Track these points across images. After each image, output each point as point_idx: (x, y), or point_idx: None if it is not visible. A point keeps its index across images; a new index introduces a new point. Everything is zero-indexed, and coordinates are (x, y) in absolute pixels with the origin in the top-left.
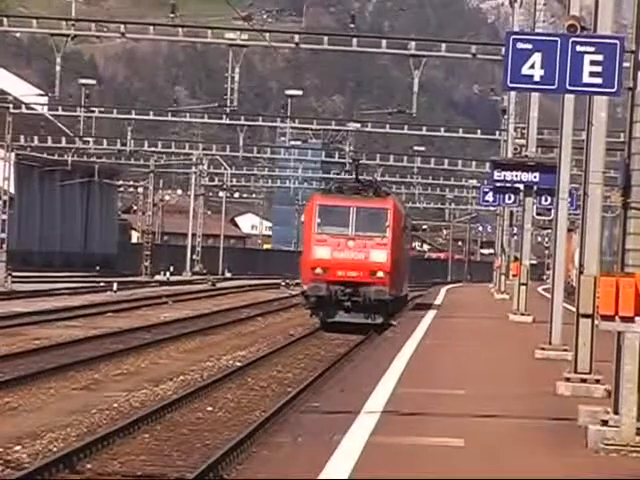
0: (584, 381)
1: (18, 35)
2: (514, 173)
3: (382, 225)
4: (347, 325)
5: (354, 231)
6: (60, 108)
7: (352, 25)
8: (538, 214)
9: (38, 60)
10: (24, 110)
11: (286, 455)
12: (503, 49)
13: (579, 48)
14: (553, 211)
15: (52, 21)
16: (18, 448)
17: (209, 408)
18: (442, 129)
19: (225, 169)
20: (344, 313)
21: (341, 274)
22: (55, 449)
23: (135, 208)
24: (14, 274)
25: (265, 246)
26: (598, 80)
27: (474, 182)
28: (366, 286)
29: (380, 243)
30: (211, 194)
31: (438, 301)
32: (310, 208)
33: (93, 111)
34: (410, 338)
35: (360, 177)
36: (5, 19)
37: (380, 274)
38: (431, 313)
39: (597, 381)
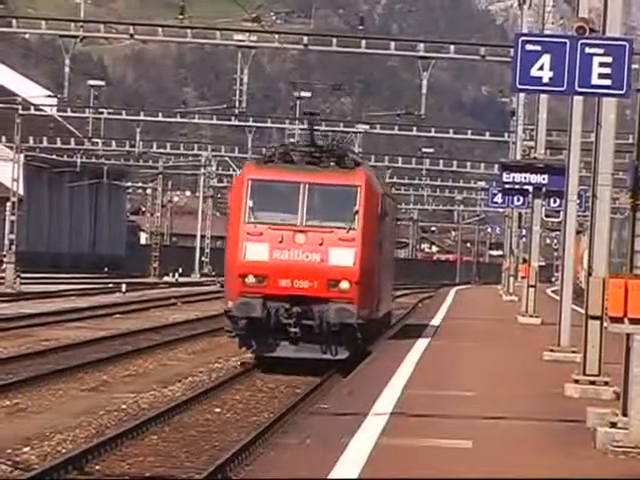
0: (593, 383)
1: (27, 36)
2: (523, 175)
3: (349, 210)
4: (296, 362)
5: (305, 220)
6: (69, 109)
7: (361, 27)
8: (547, 216)
9: (47, 61)
10: (33, 111)
11: (294, 457)
12: (512, 51)
13: (588, 50)
14: (562, 213)
15: (61, 22)
16: (27, 449)
17: (217, 410)
18: (451, 131)
19: (234, 170)
20: (289, 345)
21: (285, 285)
22: (63, 450)
23: (144, 209)
24: (23, 275)
25: None
26: (607, 82)
27: (483, 184)
28: (323, 303)
29: (345, 238)
30: (220, 195)
31: (445, 305)
32: (238, 185)
33: (102, 112)
34: (421, 337)
35: (320, 141)
36: (14, 20)
37: (344, 285)
38: (437, 318)
39: (606, 383)
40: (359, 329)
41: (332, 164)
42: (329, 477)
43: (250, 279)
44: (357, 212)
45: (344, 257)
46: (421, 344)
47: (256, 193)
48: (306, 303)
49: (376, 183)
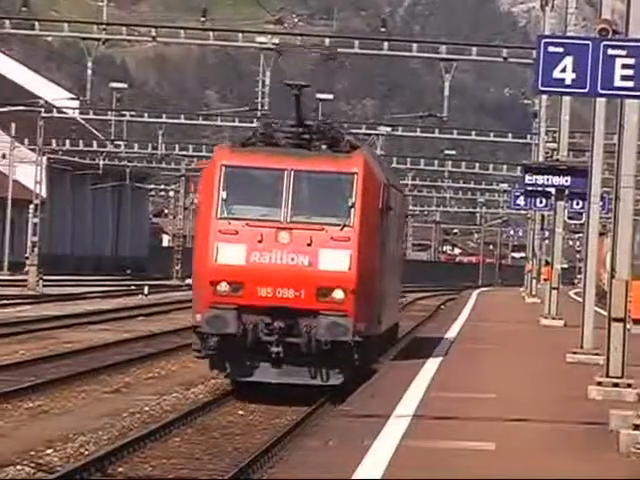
0: (616, 385)
1: (49, 39)
2: (545, 177)
3: (343, 203)
4: (279, 387)
5: (290, 215)
6: (91, 112)
7: (383, 29)
8: (569, 218)
9: (69, 64)
10: (55, 114)
11: (317, 459)
12: (534, 53)
13: (611, 52)
14: (584, 215)
15: (83, 25)
16: (49, 451)
17: (240, 412)
18: (473, 133)
19: None
20: (271, 367)
21: (265, 294)
22: (86, 452)
23: (166, 212)
24: (45, 278)
25: None
26: (629, 84)
27: (505, 186)
28: (312, 317)
29: (339, 237)
30: None
31: (468, 308)
32: (209, 173)
33: (124, 115)
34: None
35: (309, 121)
36: (37, 23)
37: (338, 294)
38: (460, 320)
39: (629, 385)
40: (356, 348)
41: (323, 147)
42: (352, 478)
43: (223, 287)
44: (353, 205)
45: (337, 260)
46: (442, 347)
47: (230, 182)
48: (291, 316)
49: (377, 170)
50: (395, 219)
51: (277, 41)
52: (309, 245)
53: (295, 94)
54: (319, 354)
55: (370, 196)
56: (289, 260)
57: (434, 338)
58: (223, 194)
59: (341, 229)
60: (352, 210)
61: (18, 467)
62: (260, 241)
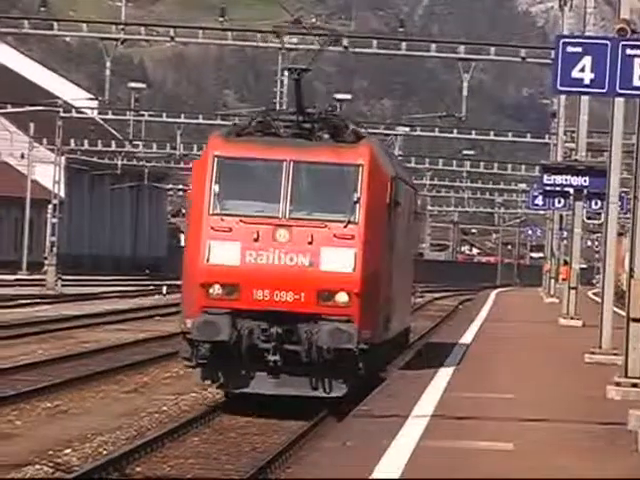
0: (634, 385)
1: (68, 39)
2: (564, 177)
3: (347, 198)
4: (278, 399)
5: (290, 211)
6: (110, 112)
7: (401, 29)
8: (588, 218)
9: (88, 64)
10: (74, 114)
11: (335, 459)
12: (553, 53)
13: (629, 51)
14: (603, 215)
15: (102, 25)
16: (68, 451)
17: (257, 412)
18: (491, 133)
19: None
20: (268, 377)
21: (262, 297)
22: (104, 452)
23: (184, 212)
24: (63, 277)
25: None
26: None
27: (524, 186)
28: (313, 322)
29: (343, 235)
30: None
31: (486, 308)
32: (201, 165)
33: (143, 115)
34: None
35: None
36: (55, 23)
37: (341, 297)
38: (478, 320)
39: None
40: (361, 356)
41: (326, 137)
42: (370, 478)
43: (215, 290)
44: (358, 200)
45: (341, 260)
46: (460, 347)
47: (224, 175)
48: (290, 322)
49: (385, 163)
50: (405, 215)
51: (295, 41)
52: (310, 244)
53: (295, 79)
54: (321, 363)
55: (377, 190)
56: (288, 260)
57: (451, 337)
58: (216, 188)
59: (345, 226)
60: (357, 205)
61: (36, 467)
62: (256, 239)
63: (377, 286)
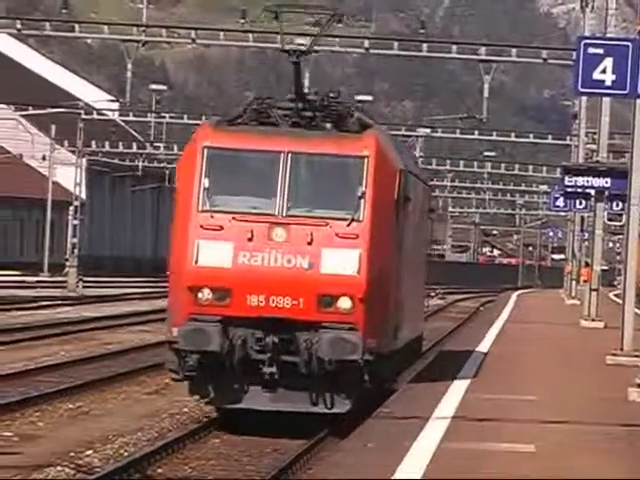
0: None
1: (89, 41)
2: (585, 178)
3: (351, 193)
4: (274, 416)
5: (287, 208)
6: (131, 114)
7: (422, 30)
8: (609, 219)
9: (109, 66)
10: (95, 116)
11: (356, 460)
12: (574, 54)
13: None
14: (624, 216)
15: (123, 27)
16: (89, 452)
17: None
18: (512, 134)
19: None
20: (263, 392)
21: (256, 303)
22: (126, 453)
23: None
24: (85, 279)
25: None
26: None
27: (545, 187)
28: (313, 330)
29: (346, 234)
30: None
31: (507, 309)
32: (189, 157)
33: (164, 116)
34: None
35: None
36: (77, 25)
37: (344, 303)
38: (499, 322)
39: None
40: (366, 368)
41: (328, 126)
42: (392, 478)
43: (205, 295)
44: (363, 195)
45: (344, 262)
46: (480, 351)
47: (214, 168)
48: (287, 330)
49: (393, 154)
50: (417, 213)
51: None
52: (309, 244)
53: (294, 62)
54: (321, 375)
55: (384, 184)
56: (285, 262)
57: (472, 339)
58: (205, 182)
59: (348, 224)
60: (362, 201)
61: (58, 468)
62: (250, 239)
63: (384, 290)
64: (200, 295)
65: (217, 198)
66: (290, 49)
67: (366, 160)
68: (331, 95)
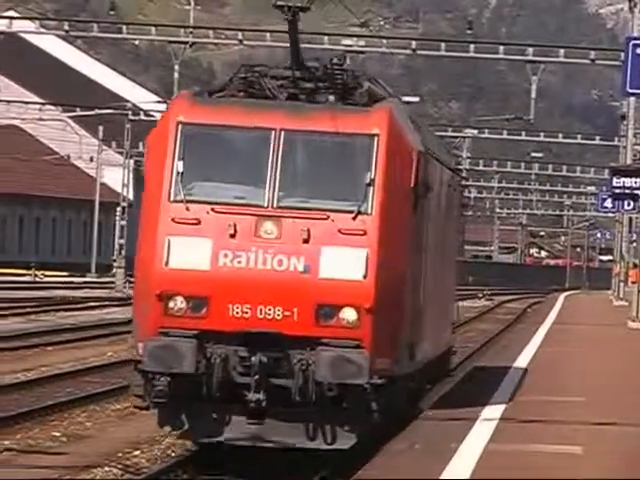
0: None
1: (137, 43)
2: (633, 179)
3: (357, 180)
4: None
5: (279, 197)
6: None
7: (469, 31)
8: None
9: (156, 67)
10: (143, 117)
11: (403, 461)
12: (622, 54)
13: None
14: None
15: (170, 29)
16: (137, 453)
17: None
18: (560, 135)
19: None
20: (248, 422)
21: (240, 314)
22: (173, 454)
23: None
24: (132, 280)
25: None
26: None
27: (592, 188)
28: (308, 347)
29: (351, 230)
30: None
31: (555, 310)
32: (159, 136)
33: None
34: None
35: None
36: (124, 27)
37: (348, 315)
38: (547, 323)
39: None
40: (375, 394)
41: (331, 99)
42: (441, 478)
43: (177, 304)
44: (372, 183)
45: (348, 264)
46: (528, 352)
47: (190, 149)
48: (278, 348)
49: (411, 134)
50: (442, 205)
51: (363, 43)
52: (306, 241)
53: (288, 19)
54: (320, 403)
55: (398, 169)
56: (276, 264)
57: (520, 339)
58: (179, 165)
59: (354, 218)
60: (370, 190)
61: (105, 468)
62: (233, 235)
63: (397, 299)
64: (171, 304)
65: (193, 185)
66: (284, 4)
67: (376, 139)
68: (335, 62)
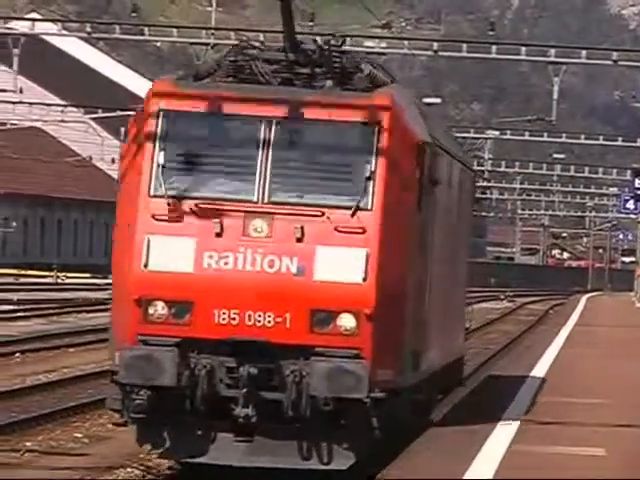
0: None
1: (159, 44)
2: None
3: (356, 173)
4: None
5: (270, 192)
6: None
7: (491, 32)
8: None
9: (178, 69)
10: None
11: (426, 461)
12: None
13: None
14: None
15: (192, 30)
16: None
17: None
18: (582, 136)
19: None
20: (236, 440)
21: (227, 321)
22: None
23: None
24: None
25: None
26: None
27: (615, 190)
28: (302, 357)
29: (349, 228)
30: None
31: (577, 312)
32: (138, 124)
33: None
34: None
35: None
36: (146, 29)
37: (346, 322)
38: (569, 325)
39: None
40: (375, 409)
41: (328, 83)
42: (464, 478)
43: (157, 309)
44: (372, 176)
45: (345, 265)
46: (550, 353)
47: (173, 139)
48: (269, 358)
49: (416, 123)
50: (451, 201)
51: (385, 45)
52: (299, 240)
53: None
54: (315, 419)
55: (401, 161)
56: (266, 265)
57: (542, 341)
58: (160, 157)
59: (352, 215)
60: (370, 184)
61: (127, 469)
62: (219, 234)
63: (400, 304)
64: (151, 310)
65: (175, 179)
66: None
67: (377, 128)
68: (333, 43)
